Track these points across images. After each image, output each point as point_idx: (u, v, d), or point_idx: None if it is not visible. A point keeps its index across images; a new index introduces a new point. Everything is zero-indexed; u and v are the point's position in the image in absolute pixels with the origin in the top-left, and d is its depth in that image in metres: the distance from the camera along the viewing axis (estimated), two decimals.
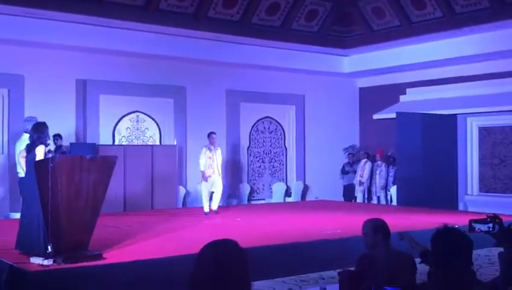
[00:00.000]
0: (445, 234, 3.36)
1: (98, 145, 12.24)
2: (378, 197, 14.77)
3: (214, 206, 11.39)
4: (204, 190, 11.43)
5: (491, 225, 3.97)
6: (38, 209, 6.42)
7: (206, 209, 11.36)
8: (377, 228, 4.63)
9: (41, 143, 7.02)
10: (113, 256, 6.68)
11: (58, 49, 11.99)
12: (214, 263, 2.34)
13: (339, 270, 4.68)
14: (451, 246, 3.28)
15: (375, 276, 4.29)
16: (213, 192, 11.47)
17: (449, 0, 11.92)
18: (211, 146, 11.43)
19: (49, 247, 6.21)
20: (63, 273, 6.04)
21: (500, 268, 3.96)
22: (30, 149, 7.07)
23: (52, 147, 7.28)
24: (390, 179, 14.56)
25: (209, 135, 11.53)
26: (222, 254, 2.37)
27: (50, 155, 7.13)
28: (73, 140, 12.19)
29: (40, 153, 6.94)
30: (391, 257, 4.49)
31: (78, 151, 11.01)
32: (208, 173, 11.28)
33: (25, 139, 7.46)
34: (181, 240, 8.18)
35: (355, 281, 4.36)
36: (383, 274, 4.28)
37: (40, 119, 7.85)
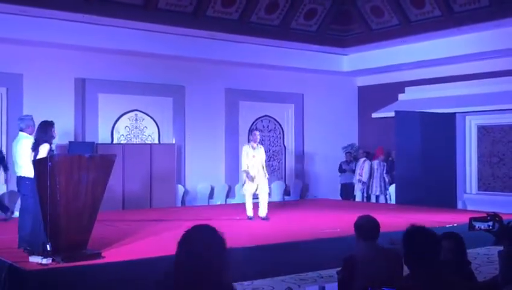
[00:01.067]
0: (414, 233, 3.38)
1: (97, 144, 12.24)
2: (377, 196, 14.77)
3: (262, 213, 10.22)
4: (248, 191, 10.33)
5: (491, 223, 3.97)
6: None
7: (250, 213, 10.25)
8: (355, 227, 4.61)
9: (45, 142, 7.02)
10: (112, 255, 6.68)
11: (56, 47, 11.98)
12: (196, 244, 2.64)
13: (337, 269, 4.68)
14: (421, 245, 3.30)
15: (356, 275, 4.31)
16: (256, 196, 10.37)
17: None
18: (254, 144, 10.43)
19: (48, 246, 6.21)
20: (62, 272, 6.04)
21: (500, 266, 3.95)
22: (35, 148, 7.07)
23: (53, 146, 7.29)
24: (383, 175, 14.61)
25: (252, 131, 10.57)
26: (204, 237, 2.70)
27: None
28: (72, 139, 12.18)
29: (43, 151, 6.94)
30: (374, 255, 4.46)
31: (77, 150, 11.01)
32: (251, 173, 10.24)
33: (21, 137, 7.46)
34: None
35: (344, 281, 4.42)
36: (364, 274, 4.29)
37: (38, 118, 7.83)
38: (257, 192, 10.31)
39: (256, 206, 10.32)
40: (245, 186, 10.44)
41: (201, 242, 2.66)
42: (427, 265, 3.26)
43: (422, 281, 3.24)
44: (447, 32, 12.67)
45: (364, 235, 4.54)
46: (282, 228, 9.38)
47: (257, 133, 10.64)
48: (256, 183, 10.26)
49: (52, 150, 7.17)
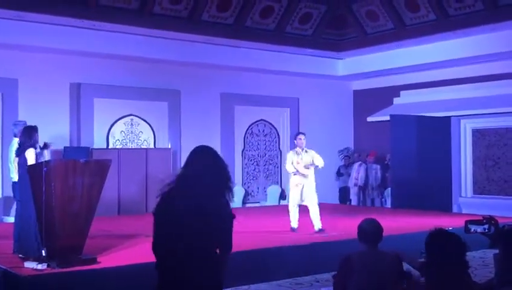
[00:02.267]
0: (439, 236, 3.38)
1: (92, 148, 12.20)
2: (373, 200, 14.77)
3: (317, 225, 9.17)
4: (291, 200, 9.43)
5: (486, 226, 3.97)
6: (33, 213, 6.41)
7: (294, 224, 9.29)
8: (358, 230, 4.66)
9: (31, 146, 7.00)
10: (107, 260, 6.66)
11: (52, 52, 11.96)
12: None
13: (333, 273, 4.70)
14: (446, 247, 3.30)
15: (351, 277, 4.33)
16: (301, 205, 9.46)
17: (443, 3, 11.95)
18: (298, 149, 9.55)
19: (43, 251, 6.19)
20: (57, 277, 6.02)
21: (495, 269, 3.96)
22: (19, 153, 7.06)
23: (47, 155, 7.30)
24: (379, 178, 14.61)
25: (296, 136, 9.73)
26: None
27: (42, 158, 7.12)
28: (67, 144, 12.15)
29: (30, 156, 6.93)
30: (374, 258, 4.49)
31: (72, 155, 10.96)
32: (296, 182, 9.44)
33: (15, 143, 7.47)
34: None
35: (339, 283, 4.44)
36: (364, 276, 4.31)
37: (34, 123, 7.83)
38: (304, 202, 9.40)
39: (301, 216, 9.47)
40: (290, 195, 9.58)
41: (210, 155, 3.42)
42: (452, 268, 3.25)
43: (442, 284, 3.24)
44: (442, 36, 12.70)
45: (365, 238, 4.57)
46: (278, 231, 9.36)
47: (302, 137, 9.57)
48: (300, 192, 9.39)
49: (46, 148, 7.18)
